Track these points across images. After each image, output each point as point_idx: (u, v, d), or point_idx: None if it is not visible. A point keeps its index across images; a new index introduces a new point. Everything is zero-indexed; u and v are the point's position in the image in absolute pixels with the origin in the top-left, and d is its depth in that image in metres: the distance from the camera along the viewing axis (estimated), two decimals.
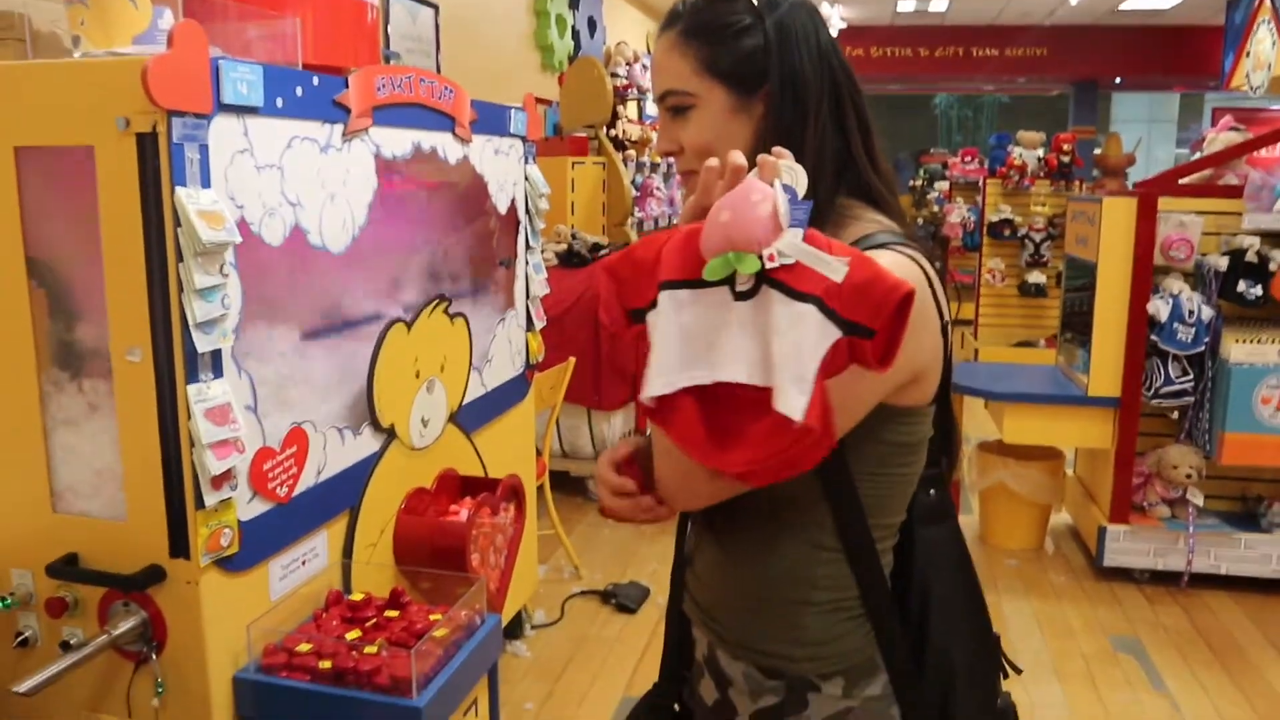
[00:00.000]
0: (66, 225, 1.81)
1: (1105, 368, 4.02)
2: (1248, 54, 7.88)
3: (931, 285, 1.14)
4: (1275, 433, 3.78)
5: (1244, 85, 8.33)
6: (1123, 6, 11.65)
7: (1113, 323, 3.98)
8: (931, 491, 1.26)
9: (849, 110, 1.19)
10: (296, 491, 2.00)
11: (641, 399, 0.99)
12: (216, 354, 1.76)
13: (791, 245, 0.91)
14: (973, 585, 1.31)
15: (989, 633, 1.32)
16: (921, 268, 1.13)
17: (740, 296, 0.93)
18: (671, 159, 1.27)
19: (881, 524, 1.20)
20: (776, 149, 0.99)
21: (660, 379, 0.96)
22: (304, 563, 2.06)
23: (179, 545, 1.78)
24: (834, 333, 0.90)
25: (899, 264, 1.10)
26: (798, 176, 0.96)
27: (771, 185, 0.94)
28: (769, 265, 0.91)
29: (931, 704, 1.23)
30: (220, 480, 1.77)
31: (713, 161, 1.01)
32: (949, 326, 1.19)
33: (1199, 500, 3.99)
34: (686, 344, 0.95)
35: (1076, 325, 4.45)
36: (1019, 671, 1.42)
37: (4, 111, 1.77)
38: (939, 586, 1.24)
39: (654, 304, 0.97)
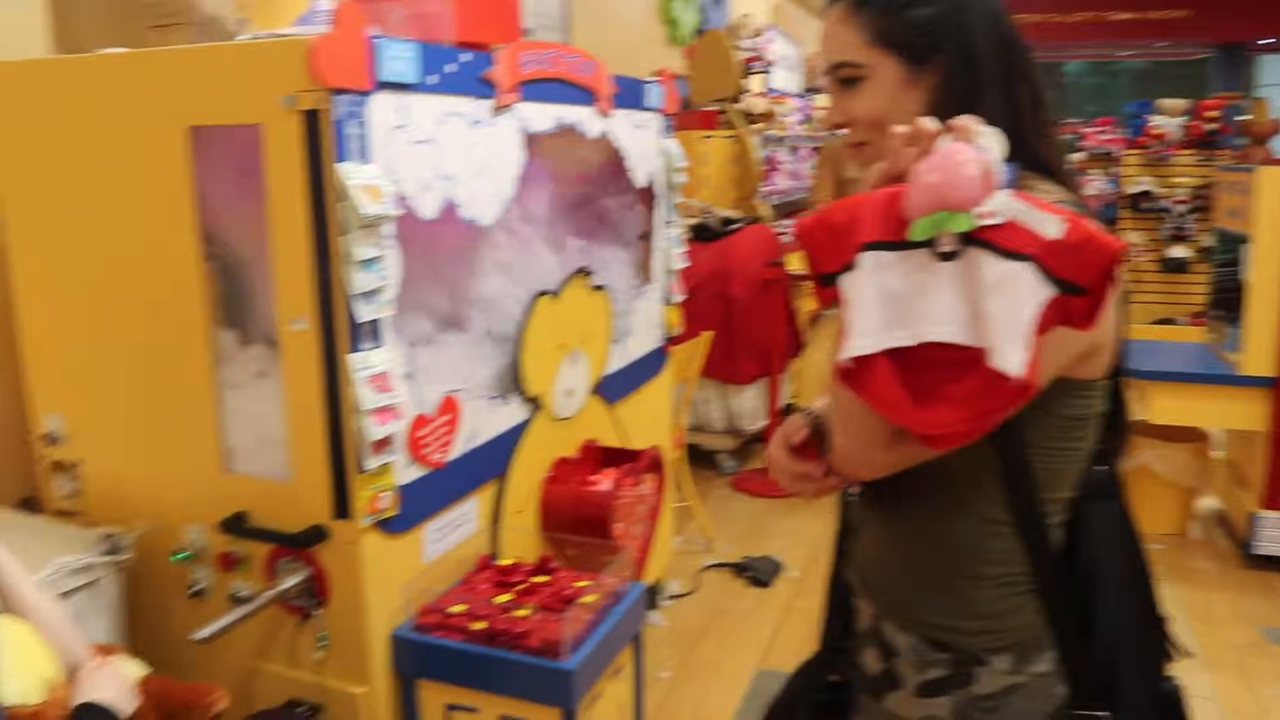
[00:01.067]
0: (235, 201, 1.87)
1: (1260, 346, 3.79)
2: None
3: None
4: None
5: None
6: None
7: (1269, 298, 3.75)
8: (1102, 468, 1.21)
9: (1020, 83, 1.16)
10: (449, 458, 2.03)
11: (838, 360, 0.98)
12: (376, 323, 1.79)
13: (1004, 204, 0.91)
14: (1141, 564, 1.26)
15: (1157, 613, 1.27)
16: None
17: (945, 257, 0.92)
18: (839, 131, 1.24)
19: (1052, 498, 1.17)
20: (964, 117, 0.97)
21: (862, 340, 0.95)
22: (456, 527, 2.10)
23: (341, 507, 1.83)
24: (1047, 291, 0.89)
25: None
26: (997, 139, 0.95)
27: (971, 146, 0.93)
28: (981, 224, 0.90)
29: (1098, 682, 1.19)
30: (380, 445, 1.81)
31: (899, 128, 1.00)
32: (1125, 300, 1.13)
33: None
34: (888, 305, 0.94)
35: (1228, 302, 4.21)
36: (1190, 655, 1.35)
37: (178, 93, 1.83)
38: (1108, 564, 1.21)
39: (850, 266, 0.96)
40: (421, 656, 1.92)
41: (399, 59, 1.78)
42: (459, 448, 2.07)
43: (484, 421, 2.16)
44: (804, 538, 4.09)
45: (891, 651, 1.24)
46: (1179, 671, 1.29)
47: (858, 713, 1.33)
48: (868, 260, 0.95)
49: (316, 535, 1.85)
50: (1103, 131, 8.12)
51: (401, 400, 1.83)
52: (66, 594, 1.82)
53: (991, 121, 1.12)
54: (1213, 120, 6.86)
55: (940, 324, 0.93)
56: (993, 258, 0.90)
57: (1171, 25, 12.85)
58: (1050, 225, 0.89)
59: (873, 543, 1.28)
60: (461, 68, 1.97)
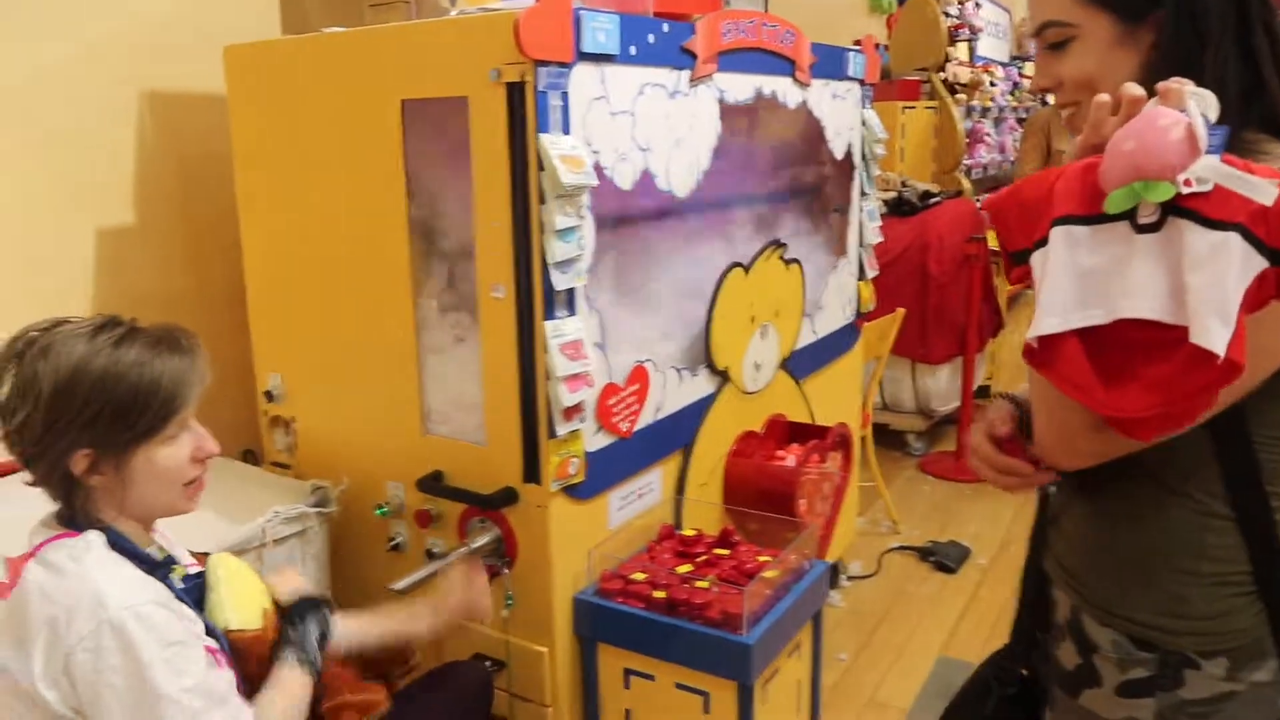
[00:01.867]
0: (441, 170, 1.95)
1: None
2: None
3: None
4: None
5: None
6: None
7: None
8: None
9: (1259, 30, 1.06)
10: (637, 427, 2.07)
11: (1027, 338, 0.93)
12: (571, 292, 1.84)
13: (1210, 168, 0.84)
14: None
15: None
16: None
17: (1144, 230, 0.86)
18: (1047, 96, 1.19)
19: (1277, 492, 1.08)
20: (1173, 79, 0.90)
21: (1052, 318, 0.90)
22: (640, 496, 2.14)
23: (531, 471, 1.90)
24: (1259, 262, 0.82)
25: None
26: (1207, 101, 0.87)
27: (1181, 111, 0.86)
28: (1184, 191, 0.83)
29: None
30: (571, 412, 1.86)
31: (1103, 96, 0.94)
32: None
33: None
34: (1081, 282, 0.89)
35: None
36: None
37: (393, 68, 1.92)
38: None
39: (1043, 242, 0.91)
40: (602, 621, 1.97)
41: (600, 30, 1.80)
42: (646, 418, 2.10)
43: (672, 392, 2.18)
44: (994, 524, 3.96)
45: (1091, 647, 1.19)
46: None
47: (1050, 707, 1.28)
48: (1060, 235, 0.90)
49: (507, 497, 1.92)
50: None
51: (592, 368, 1.88)
52: (280, 540, 1.96)
53: (1223, 79, 1.04)
54: None
55: (1139, 299, 0.86)
56: (1198, 228, 0.83)
57: None
58: (1263, 190, 0.82)
59: (1075, 530, 1.22)
60: (661, 38, 1.98)
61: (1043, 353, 0.93)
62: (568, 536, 1.95)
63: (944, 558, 3.62)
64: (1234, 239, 0.82)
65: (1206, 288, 0.83)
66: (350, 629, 1.65)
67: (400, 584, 1.83)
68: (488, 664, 2.00)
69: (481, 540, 1.97)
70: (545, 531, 1.92)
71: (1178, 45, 1.05)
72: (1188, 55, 1.05)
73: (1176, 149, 0.84)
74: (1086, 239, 0.89)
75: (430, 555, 2.09)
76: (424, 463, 2.05)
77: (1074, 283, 0.89)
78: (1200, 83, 0.99)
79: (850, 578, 3.51)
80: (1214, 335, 0.82)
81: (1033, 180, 0.95)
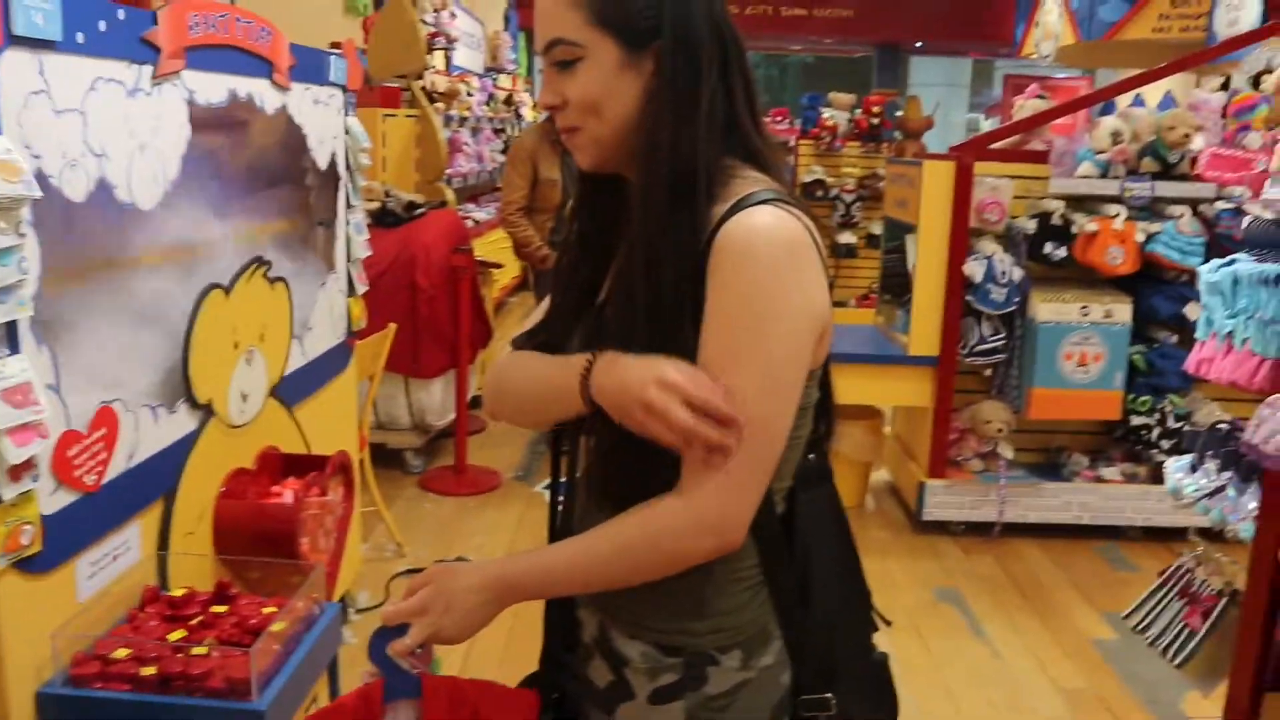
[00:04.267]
0: None
1: (925, 328, 4.20)
2: (1037, 24, 8.34)
3: (815, 242, 1.16)
4: (1077, 387, 4.06)
5: (1034, 53, 8.83)
6: None
7: (932, 284, 4.16)
8: (811, 456, 1.27)
9: (735, 72, 1.19)
10: (106, 479, 1.82)
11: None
12: (13, 326, 1.57)
13: None
14: (849, 544, 1.34)
15: (864, 589, 1.36)
16: (803, 224, 1.15)
17: None
18: (548, 112, 1.22)
19: (777, 489, 1.22)
20: None
21: None
22: (115, 558, 1.89)
23: None
24: None
25: (781, 220, 1.12)
26: None
27: None
28: None
29: (819, 666, 1.26)
30: (20, 470, 1.59)
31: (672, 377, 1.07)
32: (831, 287, 1.20)
33: (1009, 454, 4.24)
34: None
35: (895, 286, 4.63)
36: (889, 624, 1.47)
37: None
38: (821, 548, 1.27)
39: None
40: (78, 715, 1.71)
41: (36, 10, 1.56)
42: (118, 466, 1.86)
43: (147, 434, 1.95)
44: (499, 535, 4.08)
45: (622, 661, 1.24)
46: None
47: None
48: None
49: None
50: (779, 121, 8.68)
51: (45, 415, 1.62)
52: None
53: (711, 112, 1.15)
54: (876, 115, 7.52)
55: None
56: None
57: (837, 24, 14.05)
58: None
59: None
60: (115, 26, 1.76)
61: None
62: (24, 620, 1.66)
63: None
64: None
65: None
66: None
67: None
68: None
69: None
70: None
71: (675, 76, 1.14)
72: (685, 86, 1.14)
73: None
74: None
75: None
76: None
77: None
78: (696, 113, 1.13)
79: (359, 610, 3.42)
80: None
81: None
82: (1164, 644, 2.48)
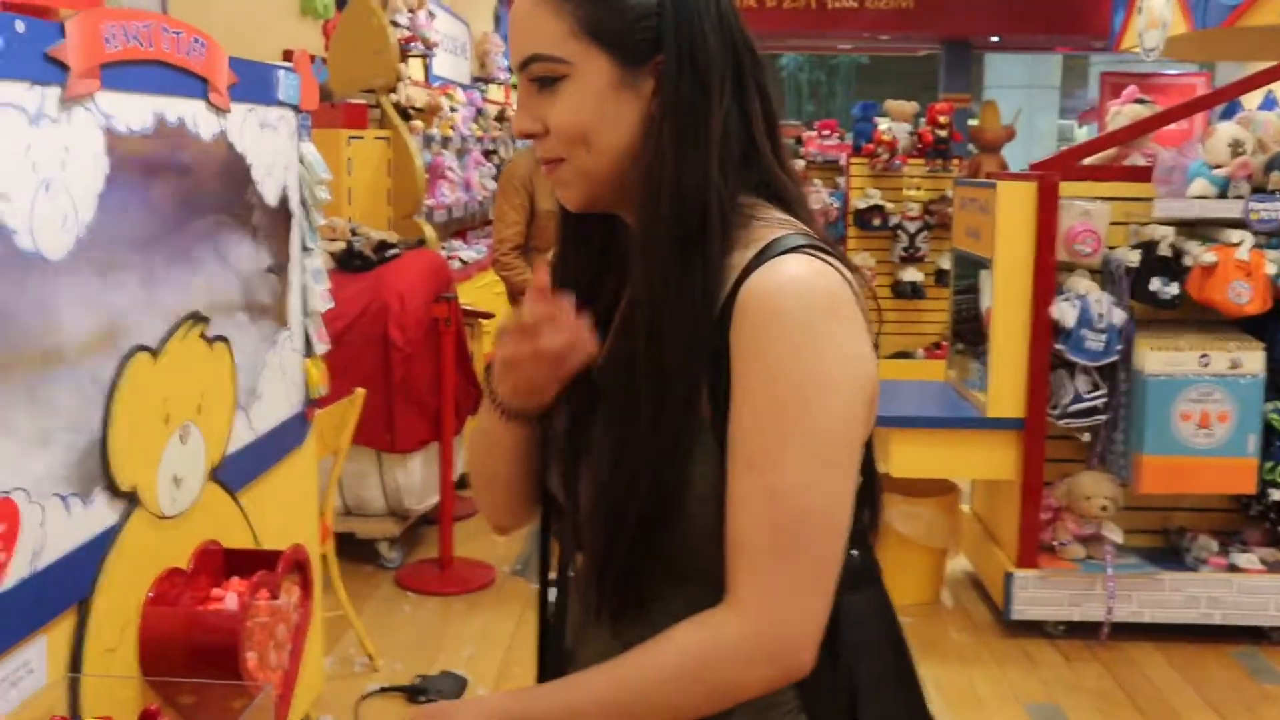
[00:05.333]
0: None
1: (1006, 384, 4.17)
2: (1140, 10, 8.39)
3: (856, 295, 1.17)
4: (1198, 454, 4.00)
5: (1136, 47, 8.86)
6: None
7: (1013, 330, 4.14)
8: (854, 552, 1.26)
9: (752, 89, 1.20)
10: (3, 586, 1.83)
11: None
12: None
13: None
14: (905, 659, 1.33)
15: (923, 708, 1.34)
16: (843, 275, 1.16)
17: None
18: (528, 140, 1.24)
19: None
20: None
21: None
22: (14, 683, 1.89)
23: None
24: None
25: (816, 270, 1.13)
26: None
27: None
28: None
29: None
30: None
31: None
32: (875, 345, 1.20)
33: (1118, 537, 4.17)
34: None
35: (969, 334, 4.62)
36: None
37: None
38: (871, 666, 1.26)
39: None
40: None
41: None
42: (19, 570, 1.86)
43: (56, 530, 1.96)
44: (493, 644, 4.07)
45: None
46: None
47: None
48: None
49: None
50: (827, 135, 8.73)
51: None
52: None
53: (724, 139, 1.16)
54: (944, 126, 7.55)
55: None
56: None
57: (895, 16, 14.15)
58: None
59: (598, 663, 1.26)
60: (14, 41, 1.79)
61: None
62: None
63: (436, 694, 3.65)
64: None
65: None
66: None
67: None
68: None
69: None
70: None
71: (679, 96, 1.14)
72: (692, 108, 1.15)
73: None
74: None
75: None
76: None
77: None
78: (707, 139, 1.13)
79: None
80: None
81: None
82: None
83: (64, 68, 1.92)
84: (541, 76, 1.17)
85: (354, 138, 5.33)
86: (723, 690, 1.13)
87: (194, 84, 2.35)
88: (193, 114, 2.36)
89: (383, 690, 3.73)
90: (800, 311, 1.10)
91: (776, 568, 1.10)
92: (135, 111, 2.15)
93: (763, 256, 1.12)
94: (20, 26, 1.82)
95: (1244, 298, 3.91)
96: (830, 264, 1.14)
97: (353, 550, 4.74)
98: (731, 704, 1.14)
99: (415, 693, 3.68)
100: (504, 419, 1.28)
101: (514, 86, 11.09)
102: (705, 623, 1.12)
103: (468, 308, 4.92)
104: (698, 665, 1.12)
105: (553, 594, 1.39)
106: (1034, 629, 4.30)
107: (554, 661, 1.36)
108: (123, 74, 2.09)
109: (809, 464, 1.10)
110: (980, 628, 4.42)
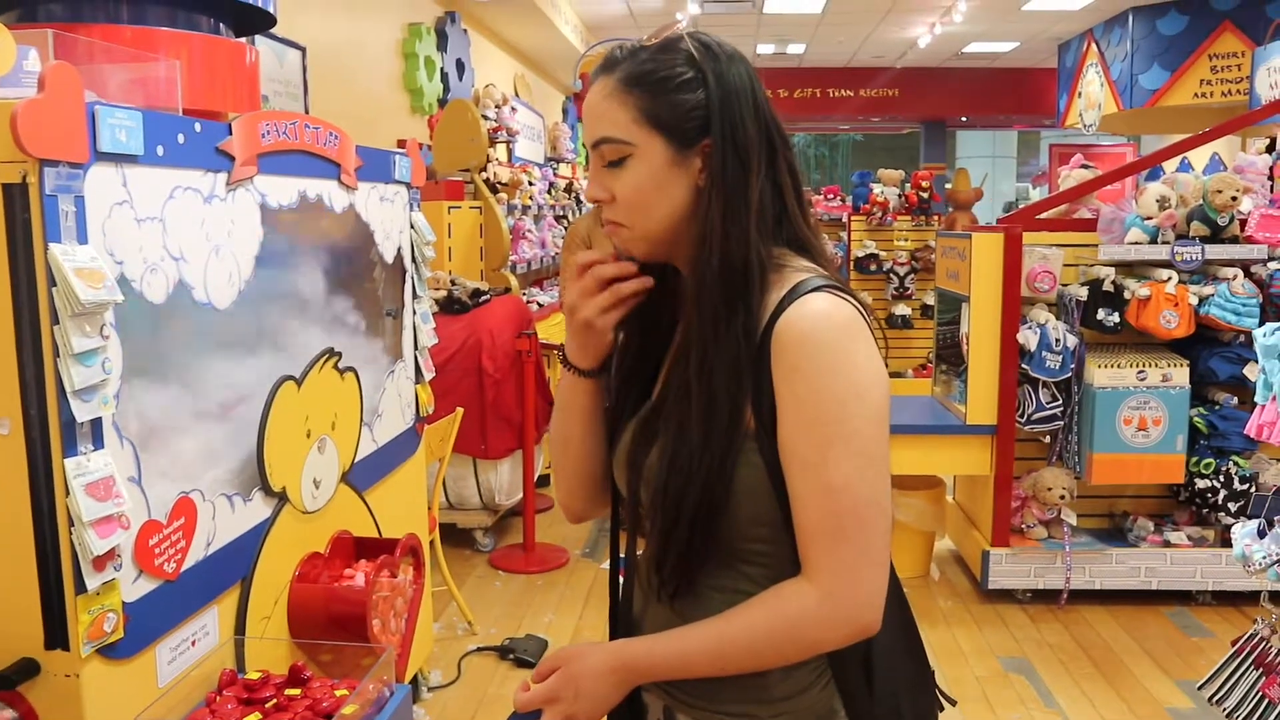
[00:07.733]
0: None
1: (981, 397, 4.13)
2: (1079, 95, 8.28)
3: (869, 323, 1.16)
4: (1138, 451, 3.94)
5: (1078, 123, 8.75)
6: (965, 50, 12.22)
7: (986, 353, 4.10)
8: None
9: (783, 165, 1.20)
10: (185, 566, 1.85)
11: None
12: (97, 423, 1.61)
13: None
14: (910, 622, 1.32)
15: (927, 668, 1.34)
16: (857, 309, 1.15)
17: None
18: (594, 204, 1.24)
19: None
20: None
21: None
22: (194, 643, 1.91)
23: (56, 635, 1.62)
24: None
25: (836, 304, 1.12)
26: None
27: None
28: None
29: None
30: (104, 560, 1.62)
31: (582, 256, 1.13)
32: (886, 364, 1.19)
33: (1073, 519, 4.11)
34: None
35: (950, 357, 4.57)
36: (953, 703, 1.43)
37: None
38: (883, 628, 1.24)
39: None
40: None
41: (120, 128, 1.62)
42: (196, 554, 1.89)
43: (224, 522, 1.98)
44: (568, 612, 4.05)
45: None
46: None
47: None
48: None
49: (25, 671, 1.62)
50: (831, 199, 8.71)
51: (127, 507, 1.65)
52: None
53: (761, 206, 1.16)
54: (925, 189, 7.50)
55: None
56: None
57: (883, 103, 14.16)
58: None
59: (661, 630, 1.26)
60: (192, 138, 1.83)
61: None
62: (108, 706, 1.68)
63: (522, 653, 3.63)
64: None
65: None
66: None
67: None
68: None
69: None
70: (79, 705, 1.63)
71: (725, 173, 1.14)
72: (735, 183, 1.14)
73: None
74: None
75: None
76: None
77: None
78: (747, 207, 1.14)
79: (431, 689, 3.40)
80: None
81: None
82: (1241, 715, 2.37)
83: (230, 158, 1.96)
84: (611, 158, 1.18)
85: (453, 208, 5.37)
86: (810, 648, 1.14)
87: (329, 168, 2.38)
88: (328, 191, 2.39)
89: (479, 650, 3.72)
90: (826, 335, 1.10)
91: (841, 548, 1.10)
92: (284, 190, 2.18)
93: (792, 295, 1.12)
94: (198, 128, 1.86)
95: (1172, 324, 3.86)
96: (847, 299, 1.14)
97: (455, 537, 4.75)
98: (813, 655, 1.16)
99: (505, 651, 3.67)
100: (572, 374, 1.28)
101: (582, 163, 11.16)
102: (790, 594, 1.12)
103: (544, 341, 4.92)
104: (788, 627, 1.12)
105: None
106: (1006, 596, 4.23)
107: (624, 627, 1.36)
108: (275, 161, 2.12)
109: (853, 461, 1.09)
110: (962, 595, 4.35)
